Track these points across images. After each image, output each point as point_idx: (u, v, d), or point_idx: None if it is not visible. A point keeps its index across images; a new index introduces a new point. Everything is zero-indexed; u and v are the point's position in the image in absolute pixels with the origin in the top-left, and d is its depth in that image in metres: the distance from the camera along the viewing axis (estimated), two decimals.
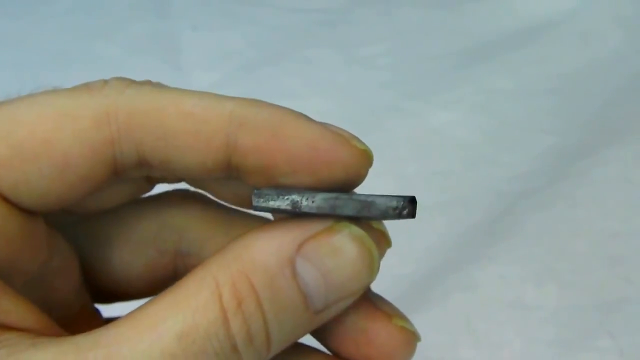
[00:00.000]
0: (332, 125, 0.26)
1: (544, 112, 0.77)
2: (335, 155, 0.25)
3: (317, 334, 0.28)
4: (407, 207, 0.24)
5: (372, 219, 0.26)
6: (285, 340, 0.24)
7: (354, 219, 0.25)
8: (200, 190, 0.30)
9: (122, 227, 0.31)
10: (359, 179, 0.26)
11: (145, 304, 0.23)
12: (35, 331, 0.23)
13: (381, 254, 0.27)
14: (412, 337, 0.28)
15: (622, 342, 0.57)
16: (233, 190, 0.28)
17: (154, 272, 0.31)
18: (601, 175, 0.69)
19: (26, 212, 0.26)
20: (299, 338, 0.25)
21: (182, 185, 0.31)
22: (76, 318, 0.30)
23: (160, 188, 0.31)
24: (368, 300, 0.28)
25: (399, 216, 0.24)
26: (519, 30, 0.87)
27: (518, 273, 0.62)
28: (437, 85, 0.81)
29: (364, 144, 0.26)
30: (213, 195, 0.29)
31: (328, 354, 0.28)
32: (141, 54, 0.87)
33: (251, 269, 0.23)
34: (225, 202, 0.30)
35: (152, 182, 0.30)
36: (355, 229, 0.24)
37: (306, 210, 0.24)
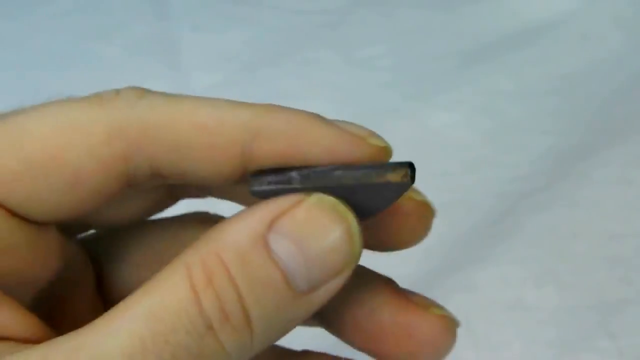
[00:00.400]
0: (348, 124, 0.25)
1: (544, 113, 0.77)
2: (352, 157, 0.25)
3: (354, 339, 0.28)
4: (411, 172, 0.24)
5: (371, 189, 0.25)
6: (271, 323, 0.23)
7: (354, 192, 0.24)
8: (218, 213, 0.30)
9: (141, 246, 0.30)
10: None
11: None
12: (31, 341, 0.23)
13: (428, 226, 0.27)
14: (452, 324, 0.28)
15: (622, 343, 0.57)
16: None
17: None
18: (601, 177, 0.69)
19: (36, 223, 0.26)
20: (289, 324, 0.24)
21: (204, 203, 0.30)
22: None
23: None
24: (400, 295, 0.27)
25: (402, 185, 0.24)
26: (519, 31, 0.87)
27: (518, 274, 0.62)
28: (438, 86, 0.81)
29: (382, 139, 0.25)
30: (239, 203, 0.29)
31: None
32: (141, 55, 0.87)
33: (221, 247, 0.22)
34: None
35: (174, 197, 0.29)
36: (326, 197, 0.24)
37: (304, 184, 0.24)
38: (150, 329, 0.21)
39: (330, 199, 0.24)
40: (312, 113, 0.25)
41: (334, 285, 0.24)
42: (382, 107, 0.78)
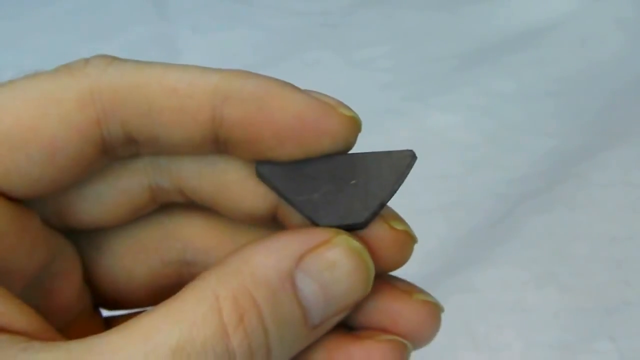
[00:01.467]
0: (318, 93, 0.25)
1: (544, 115, 0.77)
2: (322, 125, 0.25)
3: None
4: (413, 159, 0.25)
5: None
6: (284, 356, 0.24)
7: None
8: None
9: (126, 235, 0.30)
10: (348, 147, 0.26)
11: (143, 314, 0.22)
12: (30, 334, 0.23)
13: (408, 254, 0.27)
14: (436, 309, 0.28)
15: (622, 345, 0.57)
16: (245, 209, 0.28)
17: (158, 281, 0.30)
18: (602, 179, 0.69)
19: (20, 206, 0.26)
20: (295, 354, 0.24)
21: None
22: (76, 321, 0.29)
23: None
24: (385, 282, 0.27)
25: (407, 167, 0.25)
26: (519, 32, 0.87)
27: (518, 276, 0.62)
28: (438, 87, 0.81)
29: (351, 110, 0.26)
30: (222, 212, 0.29)
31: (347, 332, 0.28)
32: (141, 56, 0.86)
33: (252, 283, 0.23)
34: (234, 219, 0.29)
35: (157, 201, 0.29)
36: (353, 242, 0.24)
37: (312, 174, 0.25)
38: None
39: (356, 244, 0.24)
40: (283, 80, 0.26)
41: (341, 317, 0.25)
42: (382, 108, 0.78)
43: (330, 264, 0.24)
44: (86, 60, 0.26)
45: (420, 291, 0.28)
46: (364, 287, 0.25)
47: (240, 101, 0.25)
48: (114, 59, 0.26)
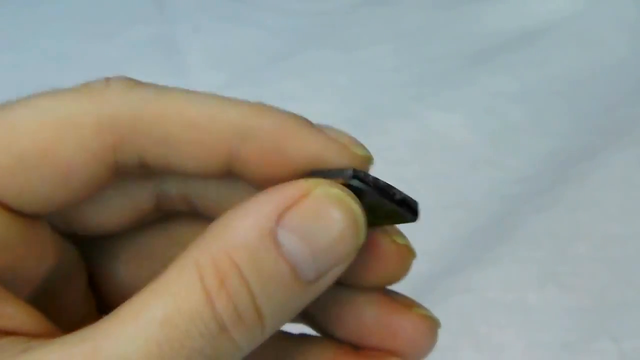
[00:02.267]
0: (334, 131, 0.26)
1: (547, 115, 0.77)
2: (337, 165, 0.25)
3: (337, 335, 0.28)
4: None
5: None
6: (280, 315, 0.23)
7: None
8: None
9: (130, 241, 0.30)
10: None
11: (133, 296, 0.23)
12: (35, 335, 0.23)
13: (407, 268, 0.27)
14: (434, 324, 0.28)
15: (624, 345, 0.57)
16: None
17: None
18: (603, 179, 0.69)
19: (29, 217, 0.26)
20: (296, 312, 0.24)
21: None
22: (80, 326, 0.29)
23: None
24: (385, 295, 0.28)
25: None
26: (522, 32, 0.87)
27: (519, 276, 0.62)
28: (440, 87, 0.81)
29: (365, 149, 0.26)
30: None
31: (339, 342, 0.28)
32: (142, 56, 0.87)
33: (231, 246, 0.22)
34: None
35: (162, 209, 0.29)
36: (333, 189, 0.24)
37: None
38: (166, 335, 0.21)
39: (336, 191, 0.24)
40: (300, 117, 0.26)
41: (339, 270, 0.24)
42: (384, 108, 0.78)
43: (312, 215, 0.23)
44: (107, 82, 0.26)
45: (420, 306, 0.28)
46: (354, 233, 0.24)
47: (257, 141, 0.25)
48: (135, 83, 0.26)
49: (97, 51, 0.89)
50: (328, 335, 0.28)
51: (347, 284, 0.27)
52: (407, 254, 0.27)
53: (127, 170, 0.26)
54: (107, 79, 0.26)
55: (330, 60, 0.87)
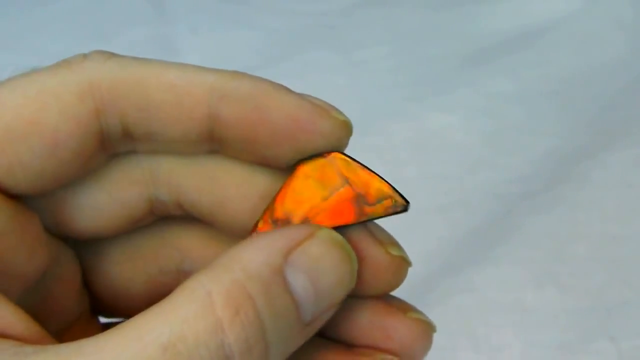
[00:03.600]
0: (311, 97, 0.26)
1: (544, 115, 0.77)
2: (315, 125, 0.26)
3: (331, 333, 0.28)
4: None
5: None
6: (281, 353, 0.23)
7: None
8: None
9: (125, 243, 0.30)
10: (340, 147, 0.26)
11: (136, 315, 0.22)
12: (26, 339, 0.23)
13: (402, 278, 0.27)
14: (429, 328, 0.28)
15: (622, 345, 0.57)
16: (243, 225, 0.28)
17: (155, 289, 0.31)
18: (601, 179, 0.69)
19: (22, 207, 0.26)
20: (290, 354, 0.24)
21: None
22: (73, 327, 0.29)
23: None
24: (380, 298, 0.28)
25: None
26: (519, 32, 0.87)
27: (518, 276, 0.62)
28: (437, 87, 0.81)
29: (343, 114, 0.26)
30: (219, 227, 0.29)
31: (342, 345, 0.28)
32: (139, 56, 0.87)
33: (245, 277, 0.22)
34: (231, 234, 0.29)
35: (155, 214, 0.29)
36: (335, 235, 0.25)
37: None
38: None
39: (339, 237, 0.25)
40: (277, 83, 0.26)
41: (327, 316, 0.25)
42: (382, 109, 0.78)
43: (317, 257, 0.24)
44: (84, 56, 0.26)
45: (415, 310, 0.28)
46: (349, 279, 0.25)
47: (236, 100, 0.25)
48: (112, 54, 0.27)
49: None
50: (321, 335, 0.28)
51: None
52: (402, 264, 0.27)
53: (112, 142, 0.26)
54: (85, 54, 0.27)
55: (328, 61, 0.86)
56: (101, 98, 0.25)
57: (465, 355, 0.57)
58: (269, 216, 0.27)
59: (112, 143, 0.26)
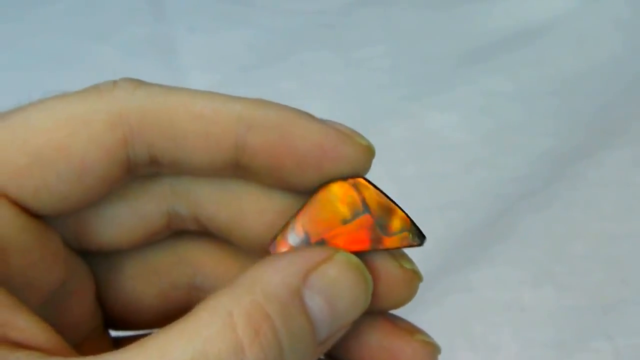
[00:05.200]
0: (335, 123, 0.26)
1: (542, 115, 0.77)
2: (340, 152, 0.26)
3: (338, 353, 0.28)
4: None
5: None
6: None
7: None
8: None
9: (138, 258, 0.31)
10: (364, 172, 0.27)
11: (157, 332, 0.23)
12: (47, 351, 0.23)
13: (414, 292, 0.28)
14: (434, 350, 0.28)
15: (619, 343, 0.57)
16: (260, 241, 0.28)
17: (167, 303, 0.31)
18: (598, 178, 0.69)
19: (44, 225, 0.26)
20: None
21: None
22: (86, 340, 0.30)
23: None
24: (387, 319, 0.28)
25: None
26: (517, 32, 0.88)
27: (515, 275, 0.62)
28: (435, 87, 0.81)
29: (366, 139, 0.27)
30: (235, 242, 0.29)
31: None
32: (138, 56, 0.87)
33: (264, 298, 0.23)
34: (247, 249, 0.30)
35: (172, 228, 0.30)
36: (352, 257, 0.25)
37: None
38: None
39: (356, 260, 0.25)
40: (301, 110, 0.26)
41: (341, 333, 0.25)
42: (379, 108, 0.79)
43: (334, 279, 0.24)
44: (114, 83, 0.26)
45: (421, 332, 0.28)
46: (364, 300, 0.25)
47: (263, 129, 0.26)
48: (141, 82, 0.26)
49: (93, 51, 0.89)
50: (328, 355, 0.29)
51: None
52: (414, 278, 0.28)
53: (139, 169, 0.27)
54: (114, 81, 0.26)
55: (325, 60, 0.87)
56: (130, 128, 0.25)
57: (463, 354, 0.57)
58: (288, 232, 0.27)
59: (138, 169, 0.27)
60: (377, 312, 0.28)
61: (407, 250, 0.28)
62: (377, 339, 0.28)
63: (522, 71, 0.83)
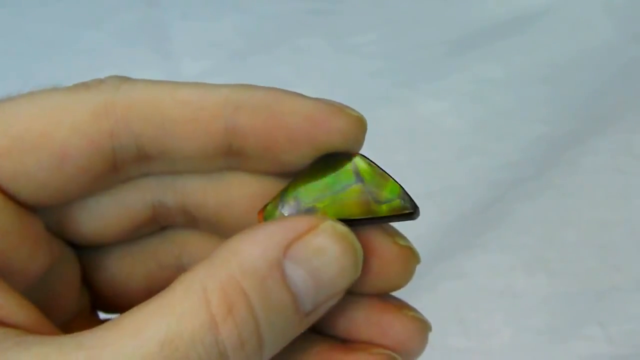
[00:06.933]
0: (324, 99, 0.27)
1: (534, 101, 0.77)
2: (332, 124, 0.26)
3: (326, 329, 0.28)
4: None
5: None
6: (277, 344, 0.24)
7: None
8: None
9: (124, 242, 0.31)
10: (357, 144, 0.27)
11: (133, 308, 0.23)
12: (28, 328, 0.23)
13: (411, 272, 0.28)
14: (424, 326, 0.28)
15: (611, 330, 0.57)
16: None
17: (154, 284, 0.31)
18: (591, 165, 0.69)
19: (25, 208, 0.26)
20: (289, 341, 0.24)
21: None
22: (74, 323, 0.30)
23: None
24: (377, 295, 0.28)
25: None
26: (509, 19, 0.87)
27: (508, 262, 0.62)
28: (428, 73, 0.81)
29: (356, 111, 0.27)
30: (224, 231, 0.29)
31: (333, 341, 0.28)
32: (130, 43, 0.86)
33: (240, 273, 0.23)
34: None
35: (158, 221, 0.30)
36: (339, 226, 0.25)
37: None
38: (164, 357, 0.21)
39: (342, 228, 0.25)
40: (288, 90, 0.26)
41: (332, 302, 0.25)
42: (372, 95, 0.78)
43: (318, 249, 0.24)
44: (101, 80, 0.26)
45: (411, 308, 0.28)
46: (354, 270, 0.25)
47: (251, 109, 0.26)
48: (128, 78, 0.26)
49: (85, 37, 0.88)
50: (316, 331, 0.28)
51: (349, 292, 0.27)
52: (411, 256, 0.28)
53: (125, 163, 0.26)
54: (101, 78, 0.26)
55: (318, 46, 0.86)
56: (116, 120, 0.25)
57: (456, 340, 0.57)
58: (278, 201, 0.27)
59: (124, 165, 0.27)
60: (375, 294, 0.28)
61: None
62: (365, 314, 0.28)
63: (514, 58, 0.82)
